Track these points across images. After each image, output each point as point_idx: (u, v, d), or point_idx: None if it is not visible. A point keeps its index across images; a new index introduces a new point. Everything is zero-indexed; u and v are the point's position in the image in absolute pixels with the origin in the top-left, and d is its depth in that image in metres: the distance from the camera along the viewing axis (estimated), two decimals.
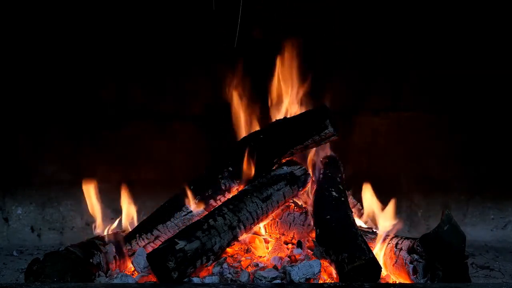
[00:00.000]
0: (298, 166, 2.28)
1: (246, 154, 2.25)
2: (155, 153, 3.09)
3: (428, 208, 3.15)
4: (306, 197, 2.38)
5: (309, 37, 2.84)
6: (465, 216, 3.15)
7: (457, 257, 1.85)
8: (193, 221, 2.10)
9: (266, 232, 2.32)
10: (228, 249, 2.09)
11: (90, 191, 2.31)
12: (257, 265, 2.05)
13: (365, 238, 2.00)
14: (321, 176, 2.37)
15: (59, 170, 3.10)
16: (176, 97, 3.10)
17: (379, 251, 2.08)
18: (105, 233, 2.27)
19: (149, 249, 2.12)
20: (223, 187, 2.25)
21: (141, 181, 3.07)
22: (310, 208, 2.25)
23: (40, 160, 3.08)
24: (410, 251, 1.94)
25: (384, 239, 2.10)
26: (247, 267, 2.03)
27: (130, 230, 2.29)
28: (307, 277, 1.87)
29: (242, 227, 2.05)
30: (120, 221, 2.37)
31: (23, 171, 3.10)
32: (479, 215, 3.17)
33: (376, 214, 2.31)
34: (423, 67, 3.07)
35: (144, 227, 2.23)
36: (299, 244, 2.18)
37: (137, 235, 2.21)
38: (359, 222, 2.34)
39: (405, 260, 1.94)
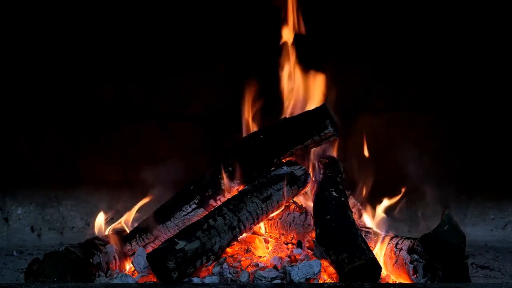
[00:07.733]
0: (298, 166, 2.28)
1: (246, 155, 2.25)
2: (155, 153, 3.09)
3: (428, 208, 3.15)
4: (306, 197, 2.38)
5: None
6: (465, 216, 3.15)
7: (457, 257, 1.85)
8: (193, 221, 2.10)
9: (266, 232, 2.32)
10: (228, 249, 2.09)
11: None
12: (257, 265, 2.05)
13: (365, 238, 2.00)
14: (321, 176, 2.37)
15: (59, 170, 3.10)
16: (176, 97, 3.10)
17: (379, 251, 2.08)
18: (106, 233, 2.27)
19: (149, 249, 2.12)
20: (223, 187, 2.25)
21: (141, 181, 3.06)
22: (310, 208, 2.25)
23: (40, 160, 3.08)
24: (410, 251, 1.94)
25: (384, 239, 2.10)
26: (247, 267, 2.03)
27: (130, 230, 2.29)
28: (307, 277, 1.87)
29: (242, 227, 2.05)
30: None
31: (23, 171, 3.10)
32: (479, 215, 3.17)
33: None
34: (423, 66, 3.07)
35: (144, 227, 2.23)
36: (299, 244, 2.18)
37: (137, 235, 2.22)
38: (359, 222, 2.34)
39: (405, 260, 1.94)
